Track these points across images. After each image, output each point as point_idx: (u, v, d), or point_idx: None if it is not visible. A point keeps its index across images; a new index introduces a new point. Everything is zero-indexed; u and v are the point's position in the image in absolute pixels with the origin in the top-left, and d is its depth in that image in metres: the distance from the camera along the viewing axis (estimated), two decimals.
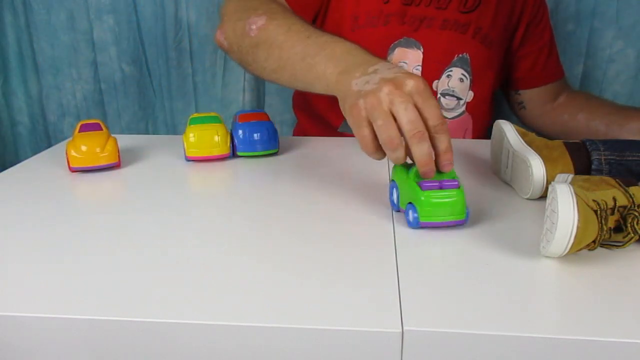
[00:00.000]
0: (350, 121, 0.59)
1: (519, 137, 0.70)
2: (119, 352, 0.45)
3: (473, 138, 1.01)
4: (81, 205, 0.69)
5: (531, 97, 1.08)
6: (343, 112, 0.61)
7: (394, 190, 0.62)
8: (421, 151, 0.55)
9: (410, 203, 0.58)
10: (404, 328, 0.42)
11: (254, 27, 0.76)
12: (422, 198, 0.56)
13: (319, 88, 0.67)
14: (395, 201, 0.63)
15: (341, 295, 0.46)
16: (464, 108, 0.99)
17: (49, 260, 0.53)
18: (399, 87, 0.56)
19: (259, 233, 0.59)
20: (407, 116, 0.55)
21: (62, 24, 1.30)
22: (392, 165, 0.63)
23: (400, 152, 0.56)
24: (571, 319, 0.43)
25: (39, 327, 0.45)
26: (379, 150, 0.58)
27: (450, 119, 0.98)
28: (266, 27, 0.75)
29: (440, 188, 0.57)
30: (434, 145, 0.57)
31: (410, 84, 0.56)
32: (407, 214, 0.59)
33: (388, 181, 0.72)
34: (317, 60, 0.66)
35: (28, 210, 0.66)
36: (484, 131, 1.02)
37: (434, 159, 0.57)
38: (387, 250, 0.54)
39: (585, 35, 1.21)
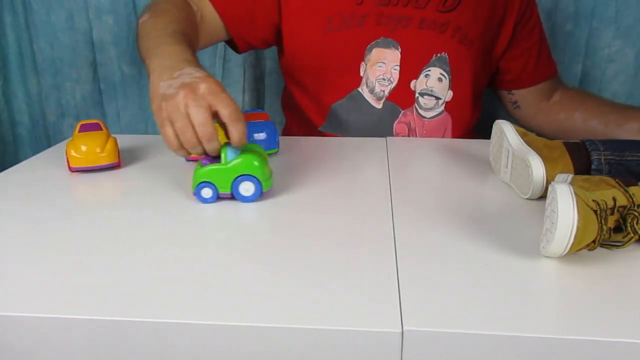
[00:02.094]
0: (156, 121, 0.65)
1: (519, 137, 0.70)
2: (118, 352, 0.45)
3: (453, 137, 1.00)
4: (81, 205, 0.69)
5: (525, 97, 1.08)
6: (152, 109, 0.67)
7: (206, 188, 0.66)
8: (212, 147, 0.64)
9: (240, 177, 0.65)
10: (404, 328, 0.42)
11: (140, 20, 0.87)
12: (256, 163, 0.65)
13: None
14: (212, 194, 0.66)
15: (341, 295, 0.46)
16: (443, 108, 0.99)
17: (49, 260, 0.53)
18: (193, 91, 0.62)
19: (258, 233, 0.59)
20: (197, 119, 0.61)
21: (62, 24, 1.30)
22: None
23: (199, 149, 0.64)
24: (571, 319, 0.43)
25: (39, 327, 0.45)
26: (183, 148, 0.64)
27: (429, 118, 0.98)
28: (145, 22, 0.85)
29: (244, 152, 0.66)
30: (230, 136, 0.64)
31: (202, 87, 0.63)
32: (239, 191, 0.66)
33: (388, 182, 0.73)
34: (150, 55, 0.74)
35: (28, 210, 0.66)
36: (464, 130, 1.02)
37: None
38: (387, 250, 0.54)
39: (584, 35, 1.21)
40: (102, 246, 0.56)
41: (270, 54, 1.31)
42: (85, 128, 0.80)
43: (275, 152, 0.85)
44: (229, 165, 0.65)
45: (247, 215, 0.64)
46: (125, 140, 0.91)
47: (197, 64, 0.71)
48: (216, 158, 0.67)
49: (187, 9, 0.92)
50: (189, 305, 0.45)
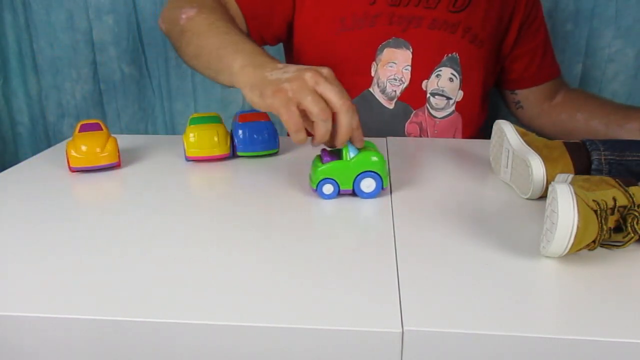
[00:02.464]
0: (274, 103, 0.63)
1: (519, 137, 0.70)
2: (119, 352, 0.45)
3: (463, 137, 1.01)
4: (81, 205, 0.69)
5: (528, 97, 1.08)
6: (256, 100, 0.65)
7: (328, 185, 0.66)
8: (350, 120, 0.63)
9: (363, 174, 0.65)
10: (404, 328, 0.42)
11: (184, 16, 0.85)
12: (376, 159, 0.65)
13: (222, 78, 0.75)
14: (334, 190, 0.66)
15: (341, 295, 0.46)
16: (453, 107, 0.99)
17: (49, 260, 0.53)
18: (319, 73, 0.63)
19: (259, 233, 0.59)
20: (333, 91, 0.62)
21: (62, 23, 1.30)
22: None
23: (329, 124, 0.62)
24: (571, 319, 0.43)
25: (39, 327, 0.45)
26: (303, 130, 0.63)
27: (440, 118, 0.98)
28: (193, 18, 0.84)
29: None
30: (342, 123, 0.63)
31: (325, 71, 0.64)
32: (360, 187, 0.66)
33: (388, 182, 0.73)
34: (227, 52, 0.74)
35: (28, 210, 0.66)
36: (474, 130, 1.02)
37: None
38: (387, 250, 0.54)
39: (584, 35, 1.21)
40: (102, 246, 0.56)
41: (271, 52, 1.31)
42: (85, 128, 0.80)
43: (276, 152, 0.85)
44: (350, 162, 0.65)
45: (246, 215, 0.64)
46: (125, 140, 0.91)
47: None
48: (333, 155, 0.67)
49: (221, 4, 0.92)
50: (188, 305, 0.45)
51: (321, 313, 0.44)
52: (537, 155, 0.65)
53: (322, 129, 0.63)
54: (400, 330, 0.42)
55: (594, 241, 0.50)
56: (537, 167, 0.64)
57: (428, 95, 0.97)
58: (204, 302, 0.46)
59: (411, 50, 0.95)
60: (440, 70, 0.97)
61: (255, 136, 0.82)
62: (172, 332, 0.44)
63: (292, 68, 0.65)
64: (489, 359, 0.42)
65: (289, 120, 0.62)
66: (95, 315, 0.44)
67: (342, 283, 0.48)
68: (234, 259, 0.53)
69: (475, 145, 0.90)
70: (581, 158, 0.66)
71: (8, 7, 1.30)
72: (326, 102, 0.62)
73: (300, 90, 0.62)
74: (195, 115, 0.85)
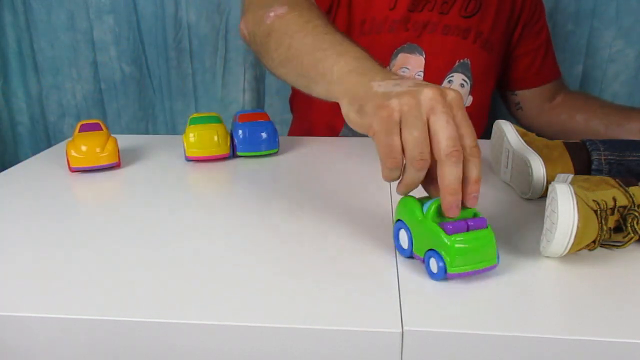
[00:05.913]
0: (373, 125, 0.48)
1: (519, 137, 0.70)
2: (119, 352, 0.45)
3: None
4: (81, 205, 0.69)
5: (528, 98, 1.08)
6: (352, 117, 0.52)
7: (403, 232, 0.51)
8: (455, 175, 0.46)
9: (431, 250, 0.48)
10: (404, 328, 0.42)
11: (272, 14, 0.70)
12: (448, 243, 0.46)
13: (319, 88, 0.59)
14: (405, 246, 0.51)
15: (341, 295, 0.46)
16: None
17: (49, 260, 0.53)
18: (442, 95, 0.47)
19: (259, 233, 0.59)
20: (448, 130, 0.46)
21: (62, 24, 1.30)
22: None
23: (423, 174, 0.48)
24: (571, 319, 0.43)
25: (39, 327, 0.45)
26: (400, 168, 0.48)
27: None
28: (284, 16, 0.69)
29: (468, 230, 0.47)
30: (464, 171, 0.47)
31: (451, 95, 0.48)
32: (428, 264, 0.48)
33: (388, 182, 0.72)
34: (328, 55, 0.58)
35: (28, 210, 0.66)
36: (479, 134, 1.02)
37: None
38: (387, 250, 0.54)
39: (585, 35, 1.21)
40: (102, 246, 0.56)
41: None
42: (85, 128, 0.80)
43: (275, 152, 0.85)
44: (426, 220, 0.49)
45: (247, 215, 0.64)
46: (125, 140, 0.91)
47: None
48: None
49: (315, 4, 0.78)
50: (189, 305, 0.45)
51: (321, 313, 0.44)
52: (537, 155, 0.65)
53: (410, 178, 0.48)
54: (400, 330, 0.42)
55: (594, 241, 0.50)
56: (537, 167, 0.64)
57: None
58: (204, 302, 0.46)
59: (424, 55, 0.95)
60: (452, 76, 0.97)
61: (255, 136, 0.82)
62: (171, 332, 0.44)
63: (410, 82, 0.50)
64: (489, 359, 0.42)
65: (385, 152, 0.48)
66: (95, 315, 0.44)
67: (342, 283, 0.48)
68: (234, 258, 0.53)
69: None
70: (581, 158, 0.66)
71: (8, 7, 1.30)
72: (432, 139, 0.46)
73: (409, 114, 0.46)
74: (195, 115, 0.85)
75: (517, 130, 0.71)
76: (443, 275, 0.47)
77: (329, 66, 0.57)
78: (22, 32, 1.32)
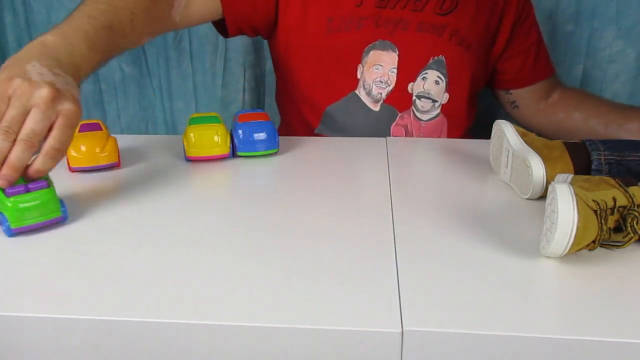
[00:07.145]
0: None
1: (519, 137, 0.70)
2: (119, 352, 0.45)
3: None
4: (80, 205, 0.69)
5: (523, 96, 1.08)
6: None
7: None
8: (20, 156, 0.56)
9: (1, 213, 0.57)
10: (404, 328, 0.42)
11: None
12: (9, 204, 0.55)
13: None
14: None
15: (341, 295, 0.46)
16: (439, 110, 0.98)
17: (49, 260, 0.53)
18: (54, 100, 0.57)
19: (259, 233, 0.59)
20: (34, 123, 0.56)
21: None
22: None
23: (3, 145, 0.56)
24: (571, 319, 0.43)
25: (39, 327, 0.45)
26: None
27: (425, 121, 0.98)
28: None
29: (27, 191, 0.57)
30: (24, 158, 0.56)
31: (66, 105, 0.58)
32: (1, 225, 0.57)
33: (388, 182, 0.73)
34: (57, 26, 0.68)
35: None
36: (460, 133, 1.02)
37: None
38: (387, 250, 0.54)
39: (585, 35, 1.21)
40: (102, 246, 0.56)
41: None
42: (85, 128, 0.80)
43: (275, 152, 0.85)
44: None
45: (246, 214, 0.64)
46: (125, 140, 0.91)
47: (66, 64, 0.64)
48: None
49: None
50: (188, 305, 0.45)
51: (321, 313, 0.44)
52: (537, 155, 0.65)
53: None
54: (400, 330, 0.42)
55: (593, 241, 0.50)
56: (537, 167, 0.64)
57: (414, 97, 0.97)
58: (204, 302, 0.46)
59: (397, 52, 0.95)
60: (426, 73, 0.97)
61: (255, 136, 0.82)
62: (171, 332, 0.44)
63: (58, 79, 0.59)
64: (489, 359, 0.42)
65: None
66: (95, 315, 0.44)
67: (342, 283, 0.48)
68: (234, 258, 0.53)
69: (475, 145, 0.90)
70: (581, 158, 0.66)
71: (8, 7, 1.30)
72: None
73: (19, 96, 0.56)
74: (195, 115, 0.85)
75: (517, 131, 0.71)
76: (10, 232, 0.56)
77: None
78: (22, 32, 1.32)
